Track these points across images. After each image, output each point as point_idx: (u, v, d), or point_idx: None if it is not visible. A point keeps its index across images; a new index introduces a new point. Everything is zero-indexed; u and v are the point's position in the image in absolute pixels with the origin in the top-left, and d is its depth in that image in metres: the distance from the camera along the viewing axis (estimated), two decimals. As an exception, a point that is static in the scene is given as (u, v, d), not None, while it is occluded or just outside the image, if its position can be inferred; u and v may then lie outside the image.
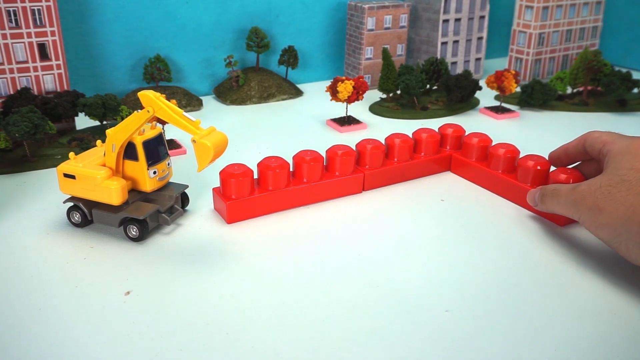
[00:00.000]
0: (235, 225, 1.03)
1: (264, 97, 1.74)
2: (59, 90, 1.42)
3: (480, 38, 2.00)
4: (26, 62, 1.37)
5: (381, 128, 1.51)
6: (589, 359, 0.73)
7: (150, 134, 0.98)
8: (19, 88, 1.37)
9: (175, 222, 1.03)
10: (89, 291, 0.84)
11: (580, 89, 1.77)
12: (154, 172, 0.98)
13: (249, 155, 1.27)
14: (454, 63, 1.98)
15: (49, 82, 1.41)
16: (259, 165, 1.07)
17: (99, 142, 1.01)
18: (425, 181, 1.22)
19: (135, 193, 0.99)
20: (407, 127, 1.44)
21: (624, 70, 1.76)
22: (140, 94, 0.92)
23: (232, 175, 1.02)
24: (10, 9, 1.31)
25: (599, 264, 0.93)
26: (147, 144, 0.96)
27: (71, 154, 0.98)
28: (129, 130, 0.93)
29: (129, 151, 0.96)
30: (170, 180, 1.04)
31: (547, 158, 1.12)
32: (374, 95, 1.76)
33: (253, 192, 1.05)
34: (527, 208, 1.09)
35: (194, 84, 1.78)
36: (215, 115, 1.62)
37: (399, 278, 0.88)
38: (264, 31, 1.76)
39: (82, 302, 0.82)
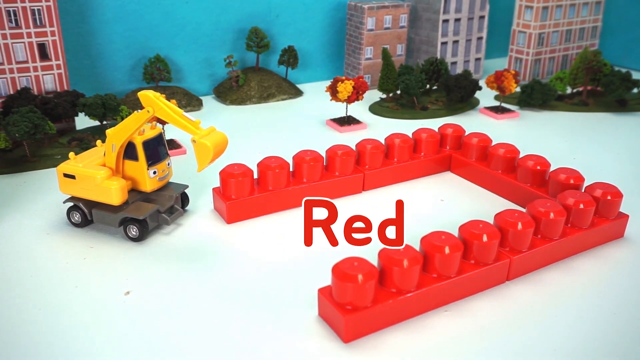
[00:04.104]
0: (235, 225, 1.03)
1: (264, 97, 1.74)
2: (59, 90, 1.42)
3: (480, 38, 2.00)
4: (26, 62, 1.37)
5: (381, 128, 1.51)
6: (589, 359, 0.73)
7: (150, 134, 0.98)
8: (19, 88, 1.37)
9: (175, 222, 1.03)
10: (89, 291, 0.84)
11: (580, 89, 1.77)
12: (154, 172, 0.98)
13: (249, 155, 1.27)
14: (454, 63, 1.98)
15: (49, 82, 1.41)
16: (259, 165, 1.07)
17: (99, 142, 1.01)
18: (425, 181, 1.22)
19: (135, 193, 0.99)
20: (407, 127, 1.44)
21: (623, 70, 1.76)
22: (140, 94, 0.92)
23: (232, 175, 1.02)
24: (10, 9, 1.31)
25: (598, 263, 0.93)
26: (147, 144, 0.96)
27: (71, 154, 0.98)
28: (128, 130, 0.93)
29: (129, 151, 0.96)
30: (170, 180, 1.04)
31: (546, 158, 1.12)
32: (374, 95, 1.76)
33: (253, 192, 1.05)
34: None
35: (194, 84, 1.78)
36: (215, 115, 1.62)
37: (398, 278, 0.88)
38: (263, 31, 1.76)
39: (82, 302, 0.82)
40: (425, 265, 0.81)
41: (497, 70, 1.57)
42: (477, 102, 1.73)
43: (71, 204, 0.99)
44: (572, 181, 1.03)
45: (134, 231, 0.96)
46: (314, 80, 1.95)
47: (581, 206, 0.94)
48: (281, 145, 1.38)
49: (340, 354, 0.73)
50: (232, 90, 1.73)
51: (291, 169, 1.12)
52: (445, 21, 1.89)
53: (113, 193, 0.94)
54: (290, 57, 1.80)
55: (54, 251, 0.94)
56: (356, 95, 1.44)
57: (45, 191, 1.14)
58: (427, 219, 1.06)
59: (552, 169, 1.10)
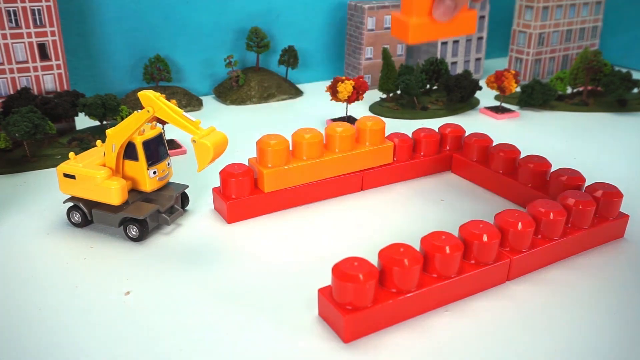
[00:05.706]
0: (235, 225, 1.03)
1: (264, 97, 1.74)
2: (59, 90, 1.42)
3: (480, 38, 2.00)
4: (26, 62, 1.37)
5: (381, 128, 1.51)
6: (589, 359, 0.73)
7: (150, 134, 0.98)
8: (19, 88, 1.37)
9: (175, 222, 1.03)
10: (89, 291, 0.84)
11: (580, 89, 1.77)
12: (154, 172, 0.98)
13: (248, 155, 1.27)
14: (454, 63, 1.98)
15: (49, 82, 1.41)
16: (259, 165, 1.07)
17: (99, 142, 1.01)
18: (425, 181, 1.22)
19: (135, 193, 0.99)
20: (407, 127, 1.44)
21: (624, 70, 1.76)
22: (140, 94, 0.92)
23: (232, 175, 1.02)
24: (10, 9, 1.31)
25: (598, 264, 0.93)
26: (147, 144, 0.96)
27: (71, 154, 0.98)
28: (129, 130, 0.93)
29: (129, 151, 0.96)
30: (170, 180, 1.04)
31: (547, 158, 1.12)
32: (374, 95, 1.76)
33: (253, 192, 1.05)
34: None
35: (194, 84, 1.78)
36: (215, 115, 1.62)
37: (399, 278, 0.88)
38: (264, 31, 1.76)
39: (82, 302, 0.82)
40: (425, 265, 0.81)
41: (498, 70, 1.57)
42: (477, 102, 1.73)
43: (71, 204, 0.99)
44: (572, 181, 1.03)
45: (134, 231, 0.96)
46: (314, 80, 1.95)
47: (581, 206, 0.94)
48: (281, 145, 1.38)
49: (340, 354, 0.73)
50: (232, 90, 1.73)
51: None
52: (446, 21, 1.89)
53: (113, 193, 0.94)
54: (290, 57, 1.80)
55: (54, 251, 0.94)
56: (356, 95, 1.44)
57: (45, 191, 1.14)
58: (427, 219, 1.06)
59: (552, 169, 1.10)
